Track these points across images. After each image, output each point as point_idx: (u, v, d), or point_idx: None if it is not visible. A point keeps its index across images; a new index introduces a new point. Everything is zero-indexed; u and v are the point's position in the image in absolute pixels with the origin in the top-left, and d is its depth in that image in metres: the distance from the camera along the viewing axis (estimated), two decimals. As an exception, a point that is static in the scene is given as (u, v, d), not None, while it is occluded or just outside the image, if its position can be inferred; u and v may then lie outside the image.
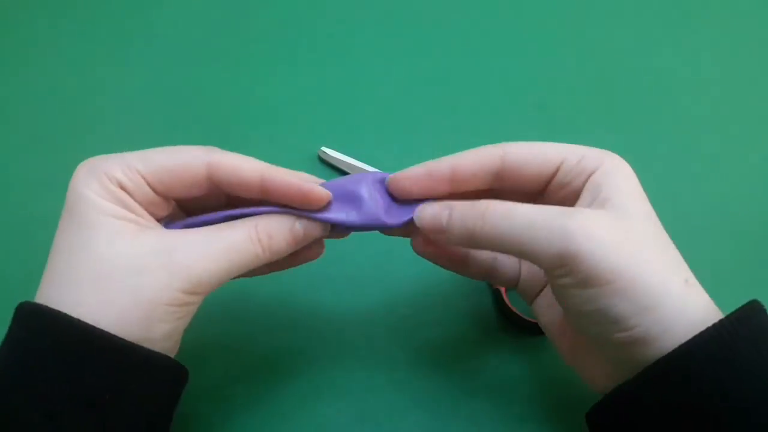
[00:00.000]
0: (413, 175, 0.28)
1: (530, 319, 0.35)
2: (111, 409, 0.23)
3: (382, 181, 0.29)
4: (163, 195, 0.27)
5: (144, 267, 0.24)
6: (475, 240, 0.26)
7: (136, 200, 0.26)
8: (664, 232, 0.27)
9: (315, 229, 0.27)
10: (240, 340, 0.35)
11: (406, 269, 0.38)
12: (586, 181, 0.27)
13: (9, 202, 0.41)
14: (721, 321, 0.24)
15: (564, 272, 0.24)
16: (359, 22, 0.51)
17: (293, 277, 0.38)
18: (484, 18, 0.52)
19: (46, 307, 0.23)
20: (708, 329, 0.23)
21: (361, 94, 0.47)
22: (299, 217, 0.27)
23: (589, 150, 0.28)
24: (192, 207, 0.29)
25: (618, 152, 0.44)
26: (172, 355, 0.27)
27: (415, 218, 0.28)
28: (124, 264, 0.24)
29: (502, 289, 0.36)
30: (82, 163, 0.26)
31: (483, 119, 0.46)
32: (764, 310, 0.25)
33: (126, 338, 0.23)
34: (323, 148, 0.43)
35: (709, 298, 0.26)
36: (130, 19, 0.51)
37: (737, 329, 0.23)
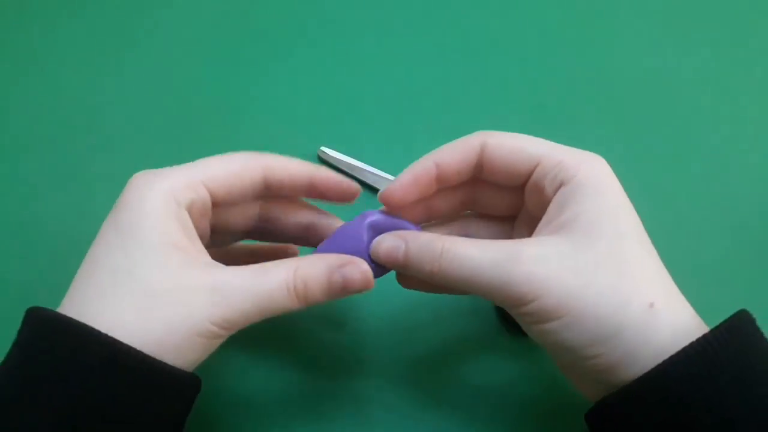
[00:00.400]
0: (402, 185, 0.28)
1: None
2: (127, 424, 0.23)
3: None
4: (218, 199, 0.27)
5: (185, 299, 0.24)
6: (433, 279, 0.26)
7: (193, 218, 0.26)
8: (641, 247, 0.26)
9: (355, 279, 0.26)
10: (237, 341, 0.35)
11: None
12: (557, 190, 0.26)
13: (9, 202, 0.41)
14: (704, 336, 0.23)
15: (517, 312, 0.25)
16: (359, 22, 0.51)
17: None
18: (483, 18, 0.52)
19: (71, 319, 0.23)
20: (685, 348, 0.23)
21: (360, 94, 0.47)
22: (340, 267, 0.26)
23: (568, 154, 0.27)
24: (221, 226, 0.30)
25: (618, 152, 0.44)
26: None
27: (371, 251, 0.27)
28: (169, 292, 0.24)
29: None
30: (140, 175, 0.26)
31: (483, 119, 0.46)
32: (753, 321, 0.25)
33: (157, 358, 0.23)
34: (323, 148, 0.43)
35: (692, 314, 0.25)
36: (129, 19, 0.51)
37: (723, 343, 0.23)
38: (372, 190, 0.41)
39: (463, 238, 0.26)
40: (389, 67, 0.49)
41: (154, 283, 0.24)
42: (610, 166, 0.27)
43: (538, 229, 0.27)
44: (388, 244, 0.27)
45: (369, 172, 0.42)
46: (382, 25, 0.51)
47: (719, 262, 0.39)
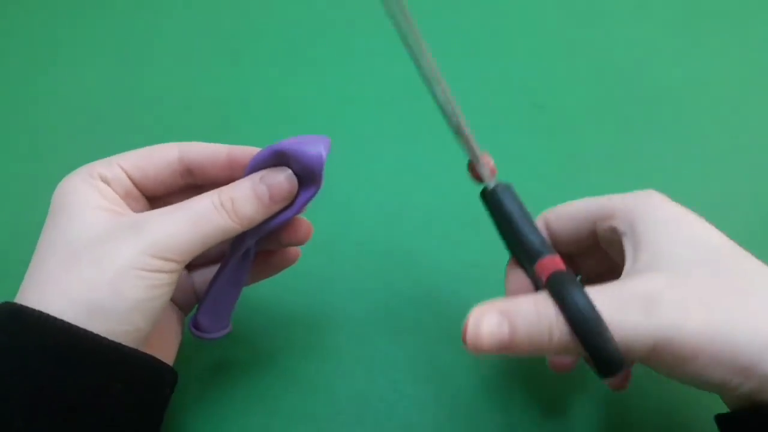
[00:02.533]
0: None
1: None
2: (94, 413, 0.23)
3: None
4: (139, 183, 0.28)
5: (110, 238, 0.24)
6: (545, 352, 0.23)
7: (115, 191, 0.27)
8: (731, 255, 0.24)
9: (280, 184, 0.26)
10: (235, 339, 0.35)
11: (410, 270, 0.38)
12: (621, 243, 0.25)
13: (8, 202, 0.41)
14: None
15: (647, 363, 0.23)
16: (358, 21, 0.51)
17: (292, 277, 0.38)
18: (483, 18, 0.52)
19: (24, 306, 0.23)
20: None
21: (358, 95, 0.47)
22: (261, 178, 0.26)
23: (616, 204, 0.26)
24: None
25: (617, 152, 0.44)
26: (169, 356, 0.27)
27: (468, 337, 0.23)
28: (91, 238, 0.24)
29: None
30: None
31: (483, 119, 0.45)
32: None
33: (97, 308, 0.23)
34: None
35: None
36: (130, 20, 0.51)
37: None
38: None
39: (571, 290, 0.23)
40: (388, 68, 0.49)
41: (79, 238, 0.24)
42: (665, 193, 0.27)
43: (632, 273, 0.24)
44: (490, 324, 0.23)
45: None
46: (382, 25, 0.51)
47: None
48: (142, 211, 0.28)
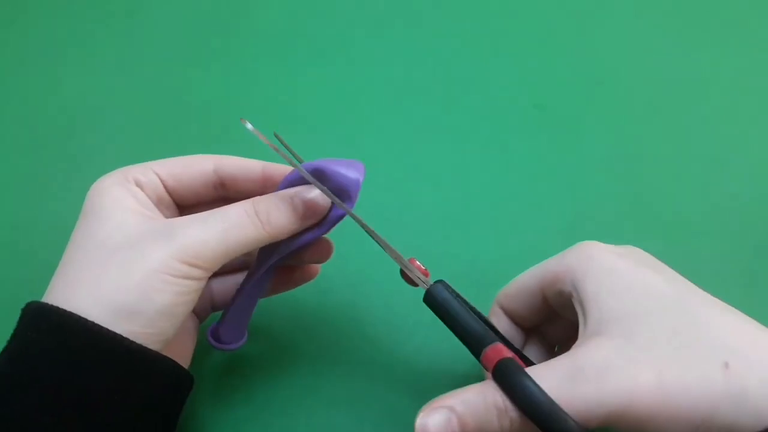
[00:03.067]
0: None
1: None
2: (116, 412, 0.23)
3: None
4: (173, 191, 0.28)
5: (142, 241, 0.24)
6: None
7: (148, 196, 0.27)
8: (674, 298, 0.23)
9: (314, 199, 0.27)
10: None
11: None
12: (569, 303, 0.25)
13: (8, 202, 0.41)
14: None
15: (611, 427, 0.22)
16: (357, 22, 0.51)
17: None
18: (483, 18, 0.52)
19: (52, 306, 0.23)
20: None
21: (356, 97, 0.47)
22: (296, 193, 0.27)
23: (557, 266, 0.26)
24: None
25: (617, 152, 0.44)
26: (185, 361, 0.27)
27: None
28: (122, 241, 0.24)
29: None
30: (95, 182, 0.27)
31: (483, 119, 0.46)
32: None
33: (123, 310, 0.23)
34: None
35: None
36: (130, 18, 0.51)
37: None
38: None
39: (517, 377, 0.22)
40: (388, 69, 0.49)
41: (110, 240, 0.24)
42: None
43: (574, 347, 0.24)
44: (437, 424, 0.22)
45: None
46: (381, 25, 0.51)
47: (720, 261, 0.39)
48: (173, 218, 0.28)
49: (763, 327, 0.23)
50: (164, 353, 0.25)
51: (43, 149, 0.44)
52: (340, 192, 0.26)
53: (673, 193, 0.43)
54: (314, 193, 0.26)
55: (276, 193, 0.27)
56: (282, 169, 0.28)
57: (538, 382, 0.21)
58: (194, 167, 0.28)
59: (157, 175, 0.28)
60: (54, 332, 0.23)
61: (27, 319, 0.24)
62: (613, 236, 0.27)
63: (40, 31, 0.51)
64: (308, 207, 0.27)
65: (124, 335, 0.23)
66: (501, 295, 0.30)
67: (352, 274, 0.38)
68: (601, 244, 0.26)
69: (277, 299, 0.34)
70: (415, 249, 0.39)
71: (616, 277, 0.24)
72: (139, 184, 0.27)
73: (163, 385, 0.25)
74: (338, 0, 0.52)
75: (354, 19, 0.51)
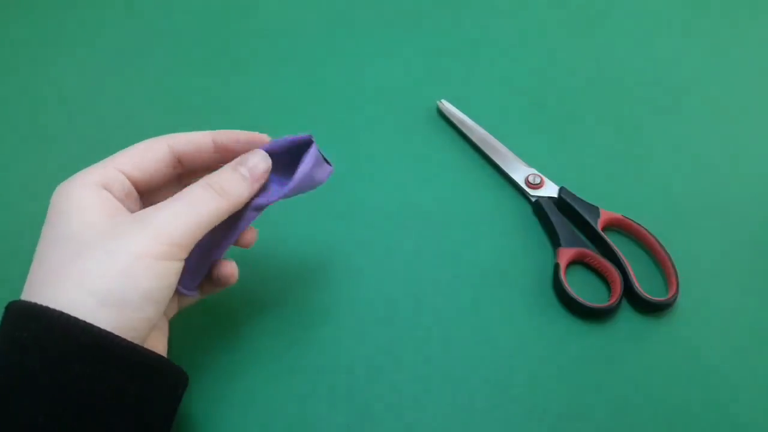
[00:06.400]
0: None
1: (585, 303, 0.35)
2: (113, 412, 0.24)
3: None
4: (138, 181, 0.29)
5: (119, 231, 0.25)
6: None
7: (116, 196, 0.27)
8: None
9: (256, 165, 0.29)
10: (236, 339, 0.35)
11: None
12: None
13: (8, 202, 0.41)
14: None
15: None
16: (356, 23, 0.51)
17: (298, 277, 0.37)
18: (483, 18, 0.52)
19: (42, 306, 0.23)
20: None
21: (353, 95, 0.47)
22: (240, 162, 0.29)
23: None
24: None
25: (617, 152, 0.44)
26: (162, 351, 0.27)
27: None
28: (100, 234, 0.25)
29: (562, 265, 0.37)
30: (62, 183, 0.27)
31: (483, 119, 0.46)
32: None
33: (111, 298, 0.24)
34: (443, 101, 0.46)
35: None
36: (131, 17, 0.51)
37: None
38: (475, 149, 0.44)
39: None
40: (386, 66, 0.49)
41: (84, 235, 0.25)
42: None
43: None
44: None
45: (478, 132, 0.44)
46: (381, 26, 0.51)
47: (720, 261, 0.39)
48: (138, 209, 0.29)
49: None
50: (146, 342, 0.26)
51: (44, 149, 0.44)
52: (306, 178, 0.30)
53: (675, 193, 0.42)
54: (254, 160, 0.29)
55: (224, 167, 0.29)
56: (230, 135, 0.30)
57: None
58: (152, 152, 0.29)
59: (122, 171, 0.28)
60: (49, 332, 0.23)
61: (13, 319, 0.24)
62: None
63: (40, 31, 0.51)
64: (253, 172, 0.29)
65: (113, 324, 0.23)
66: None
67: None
68: None
69: (279, 298, 0.34)
70: (416, 246, 0.39)
71: None
72: (107, 187, 0.27)
73: (161, 384, 0.26)
74: (339, 1, 0.52)
75: (354, 20, 0.51)
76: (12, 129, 0.45)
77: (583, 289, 0.37)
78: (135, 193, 0.29)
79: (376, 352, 0.35)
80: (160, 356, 0.26)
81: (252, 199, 0.29)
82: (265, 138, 0.31)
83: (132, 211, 0.28)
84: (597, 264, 0.38)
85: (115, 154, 0.29)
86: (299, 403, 0.33)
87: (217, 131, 0.31)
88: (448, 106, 0.46)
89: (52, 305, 0.23)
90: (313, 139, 0.30)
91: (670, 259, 0.38)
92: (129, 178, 0.28)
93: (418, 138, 0.45)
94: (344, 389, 0.34)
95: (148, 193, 0.30)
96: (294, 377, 0.34)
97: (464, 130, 0.45)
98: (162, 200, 0.28)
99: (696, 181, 0.43)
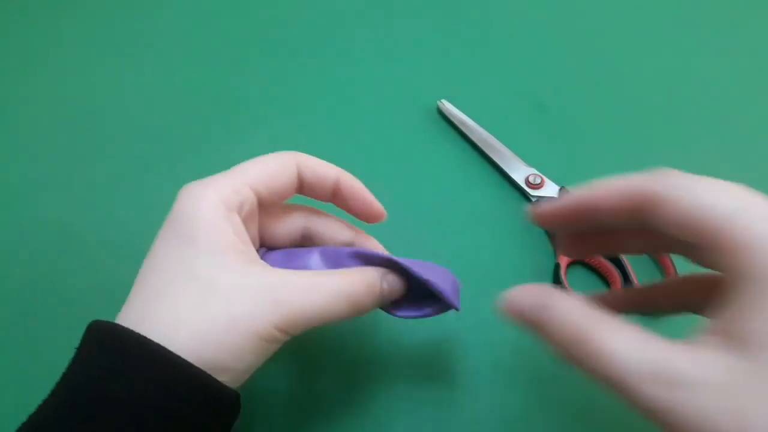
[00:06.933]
0: (551, 209, 0.26)
1: None
2: None
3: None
4: (263, 199, 0.28)
5: (248, 297, 0.24)
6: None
7: (243, 221, 0.26)
8: None
9: (397, 286, 0.28)
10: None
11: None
12: (737, 286, 0.19)
13: (8, 202, 0.41)
14: None
15: None
16: (356, 19, 0.51)
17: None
18: (483, 18, 0.52)
19: (140, 336, 0.22)
20: None
21: (356, 95, 0.47)
22: (384, 276, 0.27)
23: (761, 234, 0.19)
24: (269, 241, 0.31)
25: (617, 152, 0.44)
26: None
27: (509, 296, 0.23)
28: (228, 290, 0.24)
29: (562, 265, 0.37)
30: (187, 186, 0.26)
31: (484, 119, 0.45)
32: None
33: (218, 366, 0.23)
34: (443, 101, 0.46)
35: None
36: (131, 17, 0.51)
37: None
38: (475, 149, 0.44)
39: (616, 322, 0.20)
40: (385, 66, 0.49)
41: (215, 281, 0.24)
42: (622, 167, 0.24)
43: (709, 330, 0.19)
44: (531, 296, 0.23)
45: (478, 132, 0.44)
46: (382, 27, 0.51)
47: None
48: (252, 229, 0.28)
49: None
50: None
51: (43, 149, 0.44)
52: (440, 304, 0.28)
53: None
54: (399, 282, 0.28)
55: (369, 270, 0.27)
56: (355, 183, 0.29)
57: (632, 352, 0.19)
58: (284, 174, 0.28)
59: (254, 190, 0.27)
60: (151, 370, 0.22)
61: (113, 344, 0.23)
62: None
63: (40, 30, 0.51)
64: (390, 290, 0.27)
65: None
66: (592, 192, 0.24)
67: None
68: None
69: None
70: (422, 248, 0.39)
71: None
72: (238, 208, 0.26)
73: (228, 419, 0.25)
74: (339, 1, 0.52)
75: (354, 19, 0.51)
76: (8, 129, 0.45)
77: (583, 289, 0.37)
78: (257, 214, 0.28)
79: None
80: (237, 397, 0.25)
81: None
82: (382, 213, 0.30)
83: (249, 230, 0.27)
84: (597, 264, 0.38)
85: (245, 165, 0.27)
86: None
87: (344, 174, 0.29)
88: (448, 106, 0.46)
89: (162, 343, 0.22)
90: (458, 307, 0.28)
91: (670, 259, 0.38)
92: (259, 198, 0.27)
93: (418, 138, 0.45)
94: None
95: (266, 216, 0.29)
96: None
97: (464, 130, 0.45)
98: (278, 228, 0.29)
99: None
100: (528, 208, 0.27)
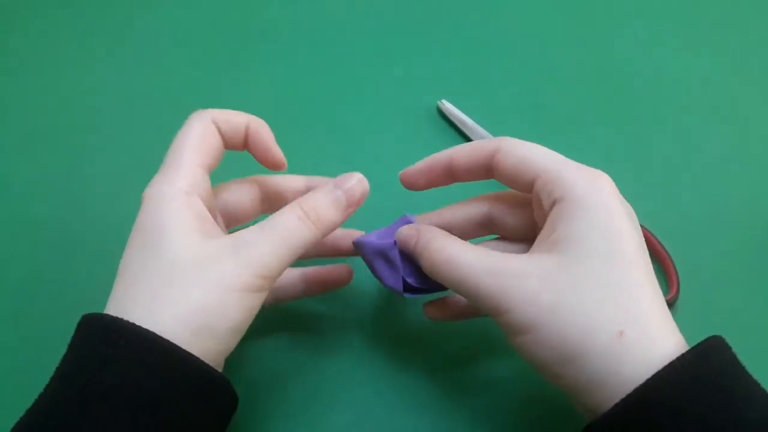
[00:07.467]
0: (417, 168, 0.31)
1: None
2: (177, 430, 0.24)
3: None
4: (214, 166, 0.29)
5: (213, 259, 0.25)
6: (431, 276, 0.28)
7: (202, 199, 0.27)
8: (630, 271, 0.24)
9: (353, 188, 0.28)
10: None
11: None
12: (553, 205, 0.26)
13: (8, 202, 0.41)
14: (671, 364, 0.22)
15: (495, 321, 0.26)
16: (356, 23, 0.51)
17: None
18: (483, 18, 0.52)
19: (129, 323, 0.23)
20: (653, 378, 0.22)
21: (357, 94, 0.47)
22: (336, 186, 0.28)
23: (568, 168, 0.27)
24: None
25: (617, 152, 0.44)
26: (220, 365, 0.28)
27: (396, 235, 0.30)
28: (195, 259, 0.25)
29: None
30: (147, 188, 0.27)
31: (483, 119, 0.45)
32: (727, 347, 0.24)
33: (203, 328, 0.24)
34: (443, 101, 0.46)
35: (676, 344, 0.23)
36: (132, 17, 0.51)
37: (694, 371, 0.22)
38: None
39: (465, 243, 0.27)
40: (385, 66, 0.49)
41: (180, 259, 0.25)
42: (614, 176, 0.28)
43: (534, 245, 0.27)
44: (405, 233, 0.30)
45: (478, 132, 0.44)
46: (382, 27, 0.51)
47: (720, 261, 0.39)
48: (224, 223, 0.31)
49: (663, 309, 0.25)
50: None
51: (43, 149, 0.44)
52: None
53: (674, 192, 0.42)
54: (350, 182, 0.28)
55: (317, 189, 0.28)
56: (260, 128, 0.30)
57: (473, 255, 0.26)
58: (212, 136, 0.29)
59: (200, 166, 0.28)
60: (142, 355, 0.23)
61: (97, 333, 0.24)
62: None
63: (40, 30, 0.51)
64: (348, 195, 0.28)
65: (199, 354, 0.24)
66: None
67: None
68: (613, 184, 0.27)
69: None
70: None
71: (604, 215, 0.25)
72: (196, 192, 0.27)
73: (226, 408, 0.26)
74: (339, 2, 0.52)
75: (353, 20, 0.51)
76: (8, 129, 0.45)
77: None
78: (210, 191, 0.29)
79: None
80: (230, 385, 0.26)
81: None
82: (281, 161, 0.31)
83: (212, 210, 0.28)
84: None
85: (177, 147, 0.28)
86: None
87: (253, 120, 0.31)
88: (448, 106, 0.46)
89: (148, 327, 0.23)
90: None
91: (670, 259, 0.38)
92: (206, 169, 0.29)
93: (418, 138, 0.45)
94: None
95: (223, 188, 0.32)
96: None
97: (464, 130, 0.45)
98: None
99: (697, 181, 0.43)
100: (399, 174, 0.31)
